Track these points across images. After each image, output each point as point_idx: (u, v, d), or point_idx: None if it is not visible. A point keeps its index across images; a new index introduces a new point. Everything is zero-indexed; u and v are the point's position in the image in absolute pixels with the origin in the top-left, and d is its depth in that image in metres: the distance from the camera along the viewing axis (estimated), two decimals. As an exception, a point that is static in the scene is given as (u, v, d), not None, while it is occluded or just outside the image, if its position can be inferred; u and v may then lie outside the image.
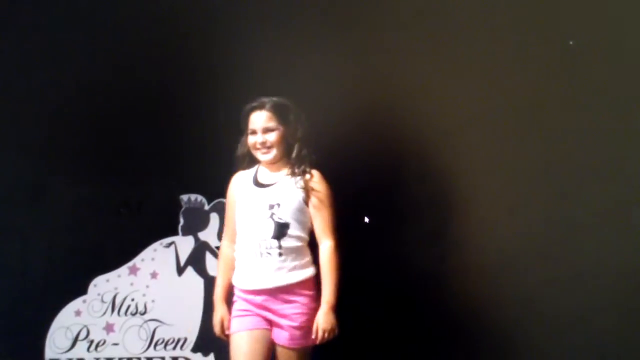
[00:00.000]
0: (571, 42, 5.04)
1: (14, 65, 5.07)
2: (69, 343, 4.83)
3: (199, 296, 4.66)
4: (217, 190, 4.65)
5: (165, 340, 4.69)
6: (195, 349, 4.62)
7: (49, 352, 4.83)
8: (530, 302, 4.67)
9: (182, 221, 4.88)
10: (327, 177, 3.73)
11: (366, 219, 4.01)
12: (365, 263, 4.52)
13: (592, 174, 5.06)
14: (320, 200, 3.11)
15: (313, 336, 2.95)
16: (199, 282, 4.70)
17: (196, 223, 4.82)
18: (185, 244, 4.81)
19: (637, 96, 5.05)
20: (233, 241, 3.13)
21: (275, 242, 2.95)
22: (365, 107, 4.61)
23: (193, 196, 4.94)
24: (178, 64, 5.03)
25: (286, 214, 3.00)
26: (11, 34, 5.06)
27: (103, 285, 4.89)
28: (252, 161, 3.23)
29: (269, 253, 2.96)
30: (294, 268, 2.93)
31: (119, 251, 4.90)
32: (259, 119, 3.17)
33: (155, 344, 4.70)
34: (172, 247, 4.85)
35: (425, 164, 4.95)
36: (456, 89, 4.97)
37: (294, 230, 2.98)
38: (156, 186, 5.05)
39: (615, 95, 5.04)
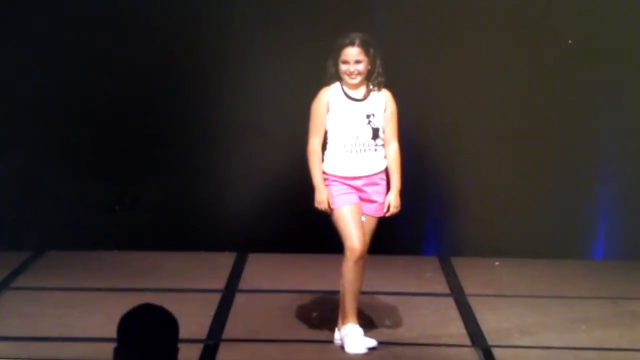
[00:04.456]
0: (570, 41, 5.06)
1: (13, 62, 5.06)
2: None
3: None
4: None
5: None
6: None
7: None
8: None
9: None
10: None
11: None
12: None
13: (589, 173, 5.19)
14: (392, 112, 4.07)
15: (384, 211, 4.03)
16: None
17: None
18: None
19: (635, 94, 5.11)
20: (321, 140, 4.05)
21: (372, 142, 3.99)
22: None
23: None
24: (172, 66, 5.08)
25: (378, 121, 4.02)
26: (11, 32, 5.06)
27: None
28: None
29: (369, 149, 4.00)
30: (381, 160, 4.03)
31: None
32: (352, 53, 3.97)
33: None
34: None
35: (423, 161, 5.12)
36: (454, 88, 5.06)
37: (381, 133, 4.03)
38: (151, 184, 5.11)
39: (613, 93, 5.10)
